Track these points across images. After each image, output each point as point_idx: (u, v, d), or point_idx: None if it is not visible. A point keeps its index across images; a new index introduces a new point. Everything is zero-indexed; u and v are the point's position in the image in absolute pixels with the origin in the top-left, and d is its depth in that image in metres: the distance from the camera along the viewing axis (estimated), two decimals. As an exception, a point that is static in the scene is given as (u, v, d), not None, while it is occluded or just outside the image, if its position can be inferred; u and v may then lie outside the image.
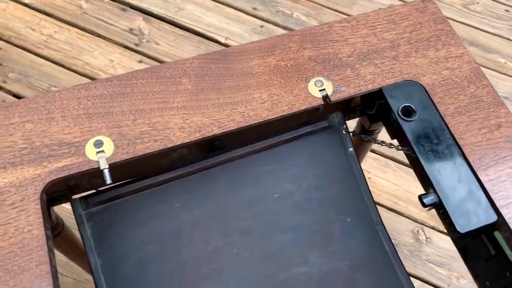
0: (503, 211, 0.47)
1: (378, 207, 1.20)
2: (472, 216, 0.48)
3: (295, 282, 0.58)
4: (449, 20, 1.49)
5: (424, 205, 0.49)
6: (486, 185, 0.48)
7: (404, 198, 1.22)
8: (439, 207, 0.49)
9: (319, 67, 0.54)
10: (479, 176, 0.49)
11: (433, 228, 1.19)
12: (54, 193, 0.56)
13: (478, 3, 1.51)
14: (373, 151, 1.26)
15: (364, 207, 0.61)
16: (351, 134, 0.62)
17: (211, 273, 0.58)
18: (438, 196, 0.48)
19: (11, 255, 0.44)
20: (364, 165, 1.24)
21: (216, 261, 0.58)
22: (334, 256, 0.59)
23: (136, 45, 1.35)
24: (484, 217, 0.48)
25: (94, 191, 0.59)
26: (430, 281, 1.13)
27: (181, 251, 0.58)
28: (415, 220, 1.20)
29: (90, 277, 1.06)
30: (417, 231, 1.19)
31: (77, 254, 0.80)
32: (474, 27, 1.46)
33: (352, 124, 0.69)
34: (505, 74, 1.39)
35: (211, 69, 0.54)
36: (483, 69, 1.40)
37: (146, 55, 1.34)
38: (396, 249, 1.23)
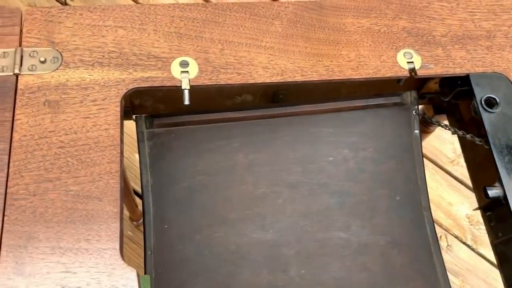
0: None
1: (407, 203, 1.19)
2: (534, 218, 0.47)
3: (332, 244, 0.58)
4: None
5: (487, 196, 0.49)
6: (554, 191, 0.48)
7: (434, 201, 1.21)
8: (501, 202, 0.49)
9: (411, 39, 0.54)
10: (549, 181, 0.48)
11: (456, 237, 1.18)
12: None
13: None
14: (414, 148, 1.24)
15: (415, 190, 0.61)
16: (420, 116, 0.62)
17: (253, 217, 0.59)
18: (504, 191, 0.48)
19: (86, 147, 0.45)
20: (403, 160, 1.23)
21: (261, 206, 0.59)
22: (375, 229, 0.60)
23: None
24: (545, 221, 0.47)
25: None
26: (442, 287, 1.13)
27: (230, 189, 0.59)
28: (440, 226, 1.19)
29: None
30: (440, 237, 1.19)
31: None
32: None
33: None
34: None
35: (304, 17, 0.54)
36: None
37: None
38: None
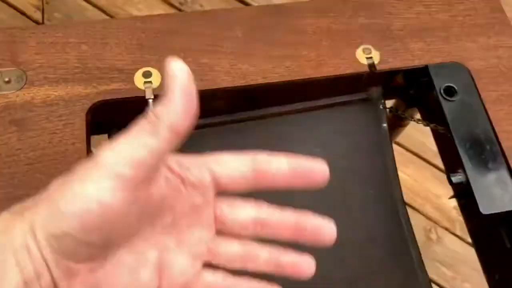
0: (529, 201, 0.48)
1: (394, 199, 1.20)
2: (497, 201, 0.48)
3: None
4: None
5: (451, 183, 0.50)
6: (516, 173, 0.49)
7: (422, 195, 1.22)
8: (465, 188, 0.50)
9: (370, 36, 0.55)
10: (510, 164, 0.50)
11: (446, 229, 1.19)
12: (95, 121, 0.58)
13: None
14: (399, 144, 1.26)
15: (387, 183, 0.62)
16: (387, 110, 0.63)
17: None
18: (467, 177, 0.49)
19: (53, 162, 0.46)
20: (388, 156, 1.24)
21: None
22: (351, 225, 0.60)
23: (181, 4, 1.36)
24: (509, 203, 0.48)
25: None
26: (435, 279, 1.14)
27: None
28: (430, 218, 1.20)
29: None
30: (430, 229, 1.20)
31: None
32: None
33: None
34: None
35: (263, 21, 0.55)
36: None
37: (190, 15, 1.35)
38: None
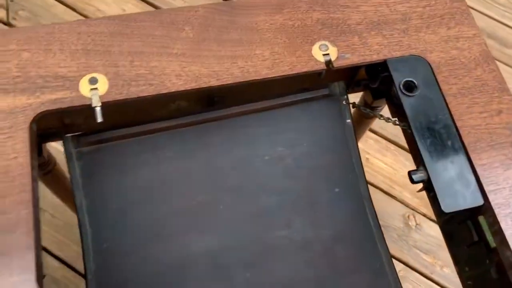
0: (491, 197, 0.47)
1: (372, 188, 1.20)
2: (459, 198, 0.47)
3: (276, 244, 0.58)
4: (471, 10, 1.45)
5: (412, 181, 0.48)
6: (477, 169, 0.48)
7: (400, 183, 1.21)
8: (427, 185, 0.49)
9: (326, 31, 0.53)
10: (472, 159, 0.48)
11: (424, 215, 1.19)
12: (48, 128, 0.56)
13: (503, -5, 1.47)
14: (375, 132, 1.25)
15: (354, 180, 0.61)
16: (351, 105, 0.61)
17: (193, 228, 0.58)
18: (428, 174, 0.48)
19: (-6, 178, 0.44)
20: (364, 145, 1.23)
21: (200, 215, 0.58)
22: (317, 224, 0.59)
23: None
24: (470, 200, 0.47)
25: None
26: (414, 266, 1.14)
27: (167, 201, 0.58)
28: (408, 206, 1.20)
29: (79, 221, 1.07)
30: (408, 217, 1.19)
31: (67, 195, 0.81)
32: (495, 19, 1.42)
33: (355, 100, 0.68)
34: (520, 71, 1.36)
35: (215, 20, 0.53)
36: (498, 63, 1.37)
37: (159, 8, 1.32)
38: (385, 231, 1.23)
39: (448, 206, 0.47)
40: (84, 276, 0.55)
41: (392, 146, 1.24)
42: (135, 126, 0.59)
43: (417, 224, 1.19)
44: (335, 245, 0.59)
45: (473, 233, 0.53)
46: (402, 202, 1.21)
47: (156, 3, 1.32)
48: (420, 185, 0.57)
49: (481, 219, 0.48)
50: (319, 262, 0.58)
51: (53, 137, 0.58)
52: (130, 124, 0.59)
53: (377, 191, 1.20)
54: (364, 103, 0.70)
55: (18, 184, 0.44)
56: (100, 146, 0.59)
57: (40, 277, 0.42)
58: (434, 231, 1.18)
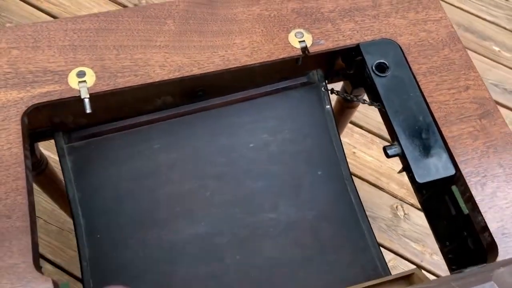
0: (461, 166, 0.50)
1: (360, 181, 1.22)
2: (432, 169, 0.50)
3: (263, 226, 0.60)
4: (447, 5, 1.50)
5: (387, 155, 0.51)
6: (448, 141, 0.51)
7: (386, 174, 1.24)
8: (402, 159, 0.51)
9: (301, 19, 0.56)
10: (442, 132, 0.51)
11: (411, 205, 1.22)
12: (39, 127, 0.58)
13: (478, -10, 1.51)
14: (360, 126, 1.28)
15: (335, 162, 0.63)
16: (329, 92, 0.64)
17: (183, 213, 0.60)
18: (402, 148, 0.51)
19: (-11, 168, 0.46)
20: (350, 139, 1.26)
21: (190, 202, 0.61)
22: (301, 206, 0.62)
23: (135, 5, 1.35)
24: (443, 170, 0.50)
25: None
26: (404, 255, 1.16)
27: (157, 190, 0.61)
28: (395, 196, 1.23)
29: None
30: (396, 207, 1.22)
31: (60, 195, 0.83)
32: (471, 13, 1.47)
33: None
34: (498, 62, 1.40)
35: (195, 13, 0.55)
36: (476, 55, 1.41)
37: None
38: (374, 222, 1.26)
39: (421, 176, 0.49)
40: (79, 263, 0.56)
41: (377, 139, 1.27)
42: (122, 120, 0.62)
43: (405, 214, 1.22)
44: (320, 224, 0.61)
45: (450, 207, 0.56)
46: (389, 193, 1.23)
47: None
48: (401, 167, 0.59)
49: (454, 188, 0.51)
50: (305, 241, 0.60)
51: (44, 137, 0.60)
52: (118, 119, 0.61)
53: (365, 183, 1.23)
54: (344, 92, 0.73)
55: (13, 172, 0.46)
56: (90, 140, 0.61)
57: (36, 259, 0.44)
58: (422, 220, 1.20)
